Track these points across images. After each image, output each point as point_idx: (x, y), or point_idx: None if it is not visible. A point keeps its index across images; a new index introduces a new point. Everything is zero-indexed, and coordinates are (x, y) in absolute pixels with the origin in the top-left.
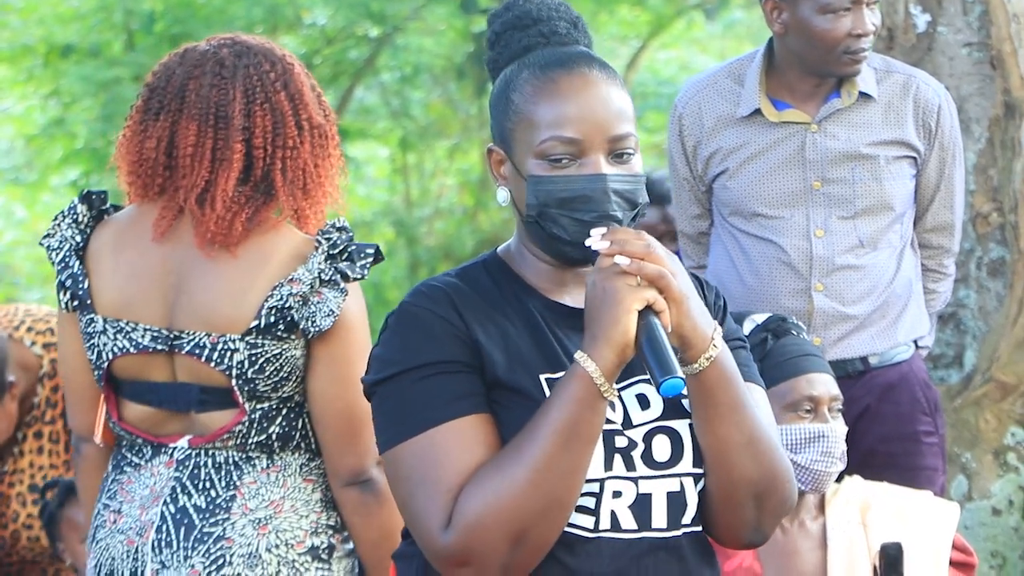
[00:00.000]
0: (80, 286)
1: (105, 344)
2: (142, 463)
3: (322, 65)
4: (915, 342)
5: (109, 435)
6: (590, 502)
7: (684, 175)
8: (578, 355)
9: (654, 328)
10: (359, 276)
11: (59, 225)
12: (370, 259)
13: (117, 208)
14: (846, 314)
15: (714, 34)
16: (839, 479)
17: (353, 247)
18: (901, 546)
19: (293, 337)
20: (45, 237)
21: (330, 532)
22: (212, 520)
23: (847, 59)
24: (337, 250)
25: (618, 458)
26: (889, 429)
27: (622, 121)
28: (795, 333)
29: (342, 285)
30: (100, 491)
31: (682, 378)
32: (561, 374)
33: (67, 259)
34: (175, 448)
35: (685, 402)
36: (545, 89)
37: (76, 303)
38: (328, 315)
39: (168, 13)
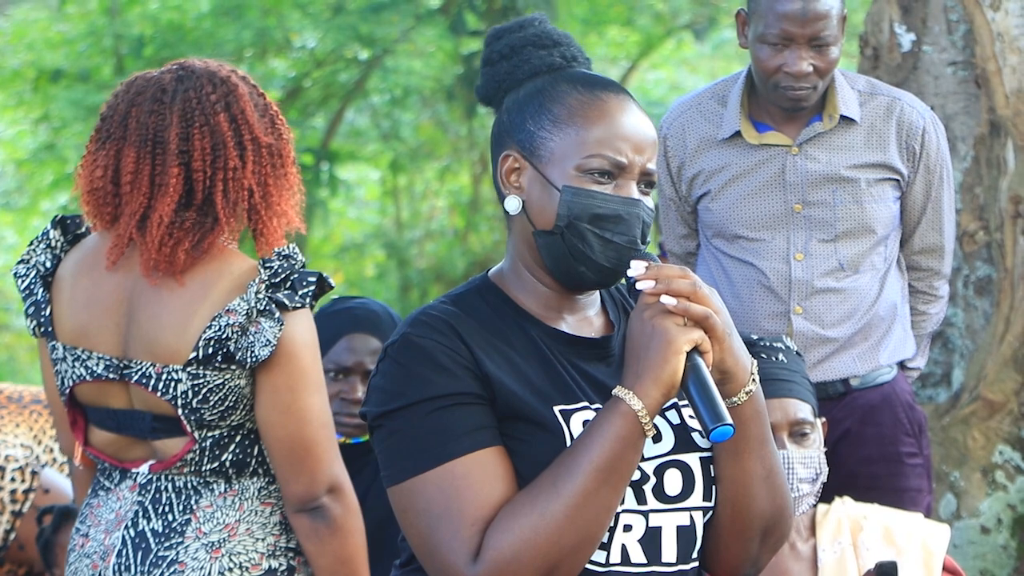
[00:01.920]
0: (43, 313)
1: (66, 371)
2: (111, 487)
3: (312, 88)
4: (901, 364)
5: (87, 457)
6: (603, 536)
7: (670, 195)
8: (620, 391)
9: (702, 371)
10: (299, 304)
11: (33, 251)
12: (312, 287)
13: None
14: (825, 337)
15: (704, 54)
16: (828, 500)
17: (296, 275)
18: (896, 564)
19: (233, 367)
20: (19, 263)
21: (290, 555)
22: (167, 544)
23: (780, 93)
24: (278, 279)
25: (629, 491)
26: (871, 451)
27: (655, 154)
28: (764, 356)
29: (278, 315)
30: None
31: (732, 424)
32: (578, 406)
33: (32, 286)
34: (138, 473)
35: (695, 435)
36: (595, 106)
37: (42, 330)
38: (265, 345)
39: (157, 37)
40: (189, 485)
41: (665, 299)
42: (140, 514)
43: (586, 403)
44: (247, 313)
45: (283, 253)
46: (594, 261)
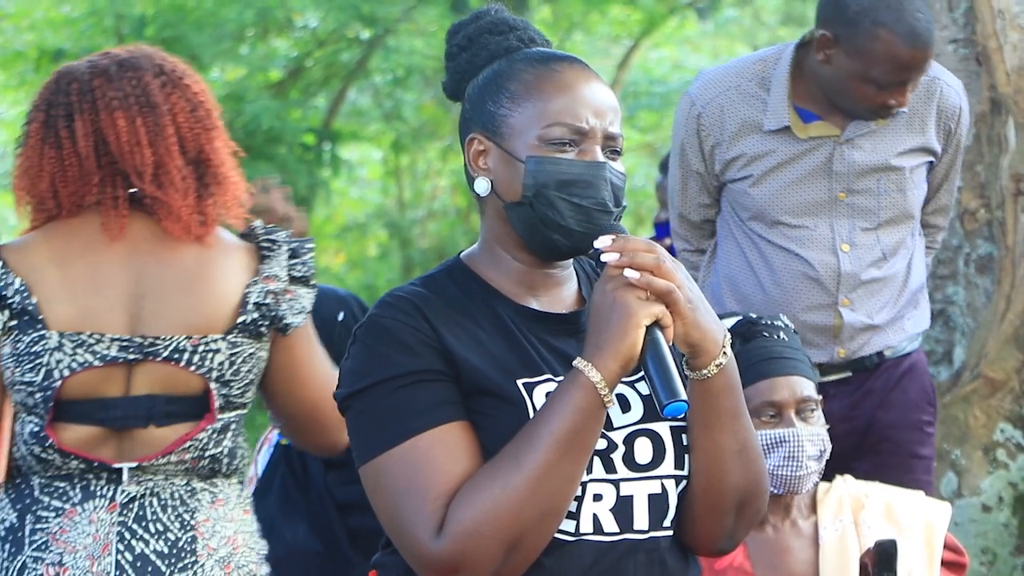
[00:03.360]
0: (29, 301)
1: (60, 360)
2: (67, 507)
3: (314, 68)
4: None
5: (8, 471)
6: (571, 506)
7: (697, 169)
8: (580, 363)
9: (660, 346)
10: (314, 271)
11: None
12: (312, 253)
13: None
14: (872, 324)
15: (706, 33)
16: (830, 478)
17: (294, 243)
18: (896, 543)
19: (266, 336)
20: None
21: (267, 561)
22: (180, 565)
23: (874, 114)
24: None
25: (597, 461)
26: (897, 416)
27: (618, 120)
28: (767, 335)
29: (313, 281)
30: (14, 544)
31: (686, 400)
32: (541, 378)
33: (4, 276)
34: (116, 490)
35: None
36: (550, 78)
37: (15, 322)
38: (299, 312)
39: (159, 17)
40: (176, 496)
41: (628, 272)
42: (129, 536)
43: (550, 376)
44: (285, 280)
45: (261, 226)
46: (565, 227)
